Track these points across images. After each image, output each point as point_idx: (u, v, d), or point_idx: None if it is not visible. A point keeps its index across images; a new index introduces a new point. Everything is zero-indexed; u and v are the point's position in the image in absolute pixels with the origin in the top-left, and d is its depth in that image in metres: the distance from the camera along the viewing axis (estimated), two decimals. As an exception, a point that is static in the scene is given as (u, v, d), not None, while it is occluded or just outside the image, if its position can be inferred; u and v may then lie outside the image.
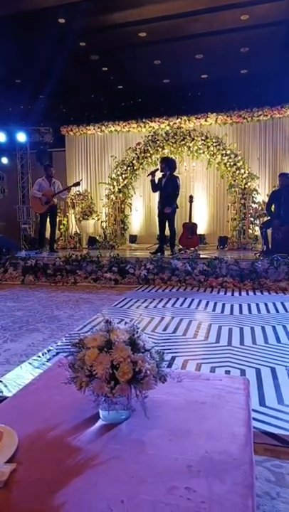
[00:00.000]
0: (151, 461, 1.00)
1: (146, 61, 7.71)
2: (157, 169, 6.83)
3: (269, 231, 6.46)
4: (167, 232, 6.95)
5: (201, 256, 6.25)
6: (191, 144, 8.15)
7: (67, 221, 9.02)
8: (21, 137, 9.15)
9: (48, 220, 7.46)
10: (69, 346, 1.26)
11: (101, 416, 1.18)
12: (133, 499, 0.86)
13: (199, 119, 8.29)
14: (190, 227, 7.47)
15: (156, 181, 6.74)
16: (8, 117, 9.30)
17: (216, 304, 4.28)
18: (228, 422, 1.17)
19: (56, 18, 6.24)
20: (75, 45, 7.07)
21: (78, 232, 8.92)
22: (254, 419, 1.62)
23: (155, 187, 6.77)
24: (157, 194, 6.86)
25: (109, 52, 7.47)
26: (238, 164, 7.90)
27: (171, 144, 8.30)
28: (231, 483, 0.91)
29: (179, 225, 8.03)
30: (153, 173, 6.75)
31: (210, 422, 1.18)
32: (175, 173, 6.86)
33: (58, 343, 2.97)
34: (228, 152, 7.93)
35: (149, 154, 8.45)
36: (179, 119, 8.34)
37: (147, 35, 6.79)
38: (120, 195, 8.71)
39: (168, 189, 6.65)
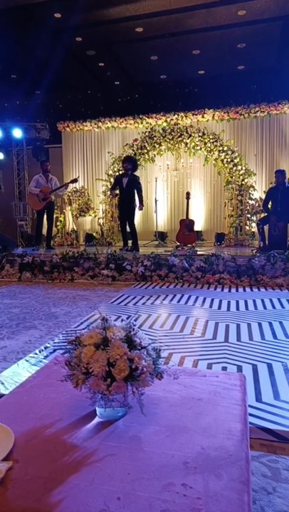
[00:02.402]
0: (148, 457, 1.00)
1: (143, 57, 7.67)
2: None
3: (266, 227, 6.47)
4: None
5: (198, 252, 6.25)
6: (188, 141, 8.13)
7: (64, 218, 8.99)
8: (17, 133, 9.09)
9: (45, 216, 7.44)
10: (66, 343, 1.26)
11: (98, 413, 1.18)
12: (129, 496, 0.86)
13: (196, 115, 8.27)
14: (187, 223, 7.46)
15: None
16: (3, 113, 9.23)
17: (213, 300, 4.29)
18: (224, 418, 1.18)
19: (52, 12, 6.19)
20: (72, 40, 7.02)
21: (75, 228, 8.90)
22: (250, 414, 1.63)
23: (114, 186, 6.88)
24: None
25: (106, 48, 7.41)
26: (235, 161, 7.89)
27: (168, 140, 8.27)
28: (227, 479, 0.92)
29: (176, 222, 8.03)
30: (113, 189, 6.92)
31: (206, 418, 1.18)
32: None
33: (55, 340, 2.97)
34: (225, 148, 7.92)
35: (146, 150, 8.43)
36: (176, 116, 8.32)
37: (144, 31, 6.75)
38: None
39: (130, 188, 6.74)
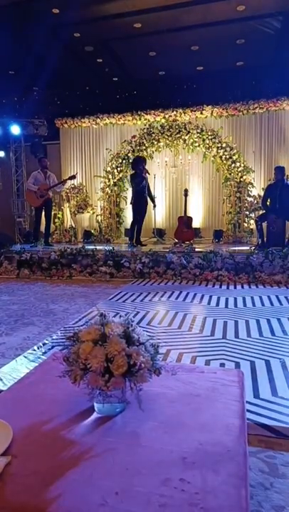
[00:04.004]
0: (146, 453, 1.00)
1: (142, 52, 7.62)
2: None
3: (264, 224, 6.47)
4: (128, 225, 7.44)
5: (197, 249, 6.25)
6: (186, 137, 8.11)
7: (63, 214, 8.96)
8: (15, 130, 9.04)
9: (43, 213, 7.42)
10: (64, 340, 1.26)
11: (96, 409, 1.18)
12: (127, 491, 0.87)
13: (195, 111, 8.24)
14: (185, 220, 7.46)
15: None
16: (1, 109, 9.17)
17: (211, 297, 4.30)
18: (222, 414, 1.18)
19: (50, 8, 6.14)
20: (70, 36, 6.96)
21: (73, 225, 8.87)
22: (248, 411, 1.64)
23: (142, 187, 7.07)
24: (151, 189, 7.17)
25: (104, 44, 7.36)
26: (234, 157, 7.88)
27: (166, 136, 8.25)
28: (225, 474, 0.92)
29: (174, 219, 8.02)
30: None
31: (204, 414, 1.18)
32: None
33: (54, 337, 2.97)
34: (224, 145, 7.90)
35: (144, 147, 8.40)
36: (175, 112, 8.28)
37: (142, 26, 6.71)
38: (115, 188, 8.66)
39: (147, 187, 7.10)
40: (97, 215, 8.82)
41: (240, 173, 7.85)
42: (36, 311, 3.84)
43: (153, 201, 7.27)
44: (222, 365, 2.40)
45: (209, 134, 7.96)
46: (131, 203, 7.15)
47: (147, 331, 2.89)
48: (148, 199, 7.13)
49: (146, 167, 7.22)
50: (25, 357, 2.58)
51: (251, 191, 7.89)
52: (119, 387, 1.12)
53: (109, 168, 8.65)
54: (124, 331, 1.17)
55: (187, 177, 8.56)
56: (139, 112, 8.55)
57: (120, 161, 8.52)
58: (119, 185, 8.69)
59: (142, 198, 7.02)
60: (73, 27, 6.69)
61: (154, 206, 7.34)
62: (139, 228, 7.18)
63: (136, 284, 5.24)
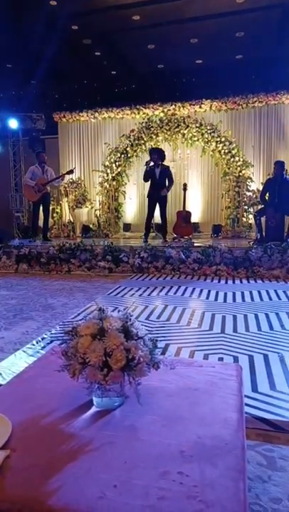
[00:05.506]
0: (144, 446, 1.01)
1: (140, 45, 7.57)
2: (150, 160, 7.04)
3: (263, 219, 6.46)
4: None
5: (195, 244, 6.25)
6: (185, 131, 8.07)
7: (61, 209, 8.93)
8: (13, 124, 8.97)
9: (41, 208, 7.40)
10: (63, 334, 1.26)
11: (94, 403, 1.19)
12: (126, 484, 0.87)
13: (194, 105, 8.18)
14: (184, 215, 7.44)
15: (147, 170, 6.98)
16: (-1, 103, 9.12)
17: (209, 292, 4.30)
18: (220, 408, 1.18)
19: (47, -1, 6.07)
20: (67, 29, 6.90)
21: (72, 220, 8.86)
22: (246, 404, 1.64)
23: (147, 176, 6.98)
24: (149, 183, 7.06)
25: (102, 37, 7.31)
26: (233, 152, 7.84)
27: (165, 131, 8.20)
28: (223, 467, 0.93)
29: (173, 214, 8.00)
30: (148, 163, 6.97)
31: (202, 408, 1.19)
32: (165, 163, 7.17)
33: (52, 331, 2.97)
34: (223, 139, 7.87)
35: (143, 141, 8.35)
36: (174, 106, 8.23)
37: (141, 19, 6.65)
38: (114, 183, 8.63)
39: (162, 178, 6.92)
40: (95, 210, 8.80)
41: (239, 168, 7.82)
42: (35, 306, 3.84)
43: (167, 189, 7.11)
44: (220, 359, 2.41)
45: (208, 128, 7.92)
46: (147, 197, 7.12)
47: (146, 326, 2.89)
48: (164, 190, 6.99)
49: (146, 160, 7.14)
50: (24, 351, 2.58)
51: (250, 186, 7.87)
52: (117, 382, 1.13)
53: (107, 163, 8.60)
54: (123, 326, 1.17)
55: (186, 171, 8.53)
56: (137, 106, 8.49)
57: (119, 155, 8.48)
58: (117, 180, 8.65)
59: (152, 189, 6.96)
60: (71, 19, 6.63)
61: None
62: (150, 221, 7.16)
63: (135, 278, 5.24)
